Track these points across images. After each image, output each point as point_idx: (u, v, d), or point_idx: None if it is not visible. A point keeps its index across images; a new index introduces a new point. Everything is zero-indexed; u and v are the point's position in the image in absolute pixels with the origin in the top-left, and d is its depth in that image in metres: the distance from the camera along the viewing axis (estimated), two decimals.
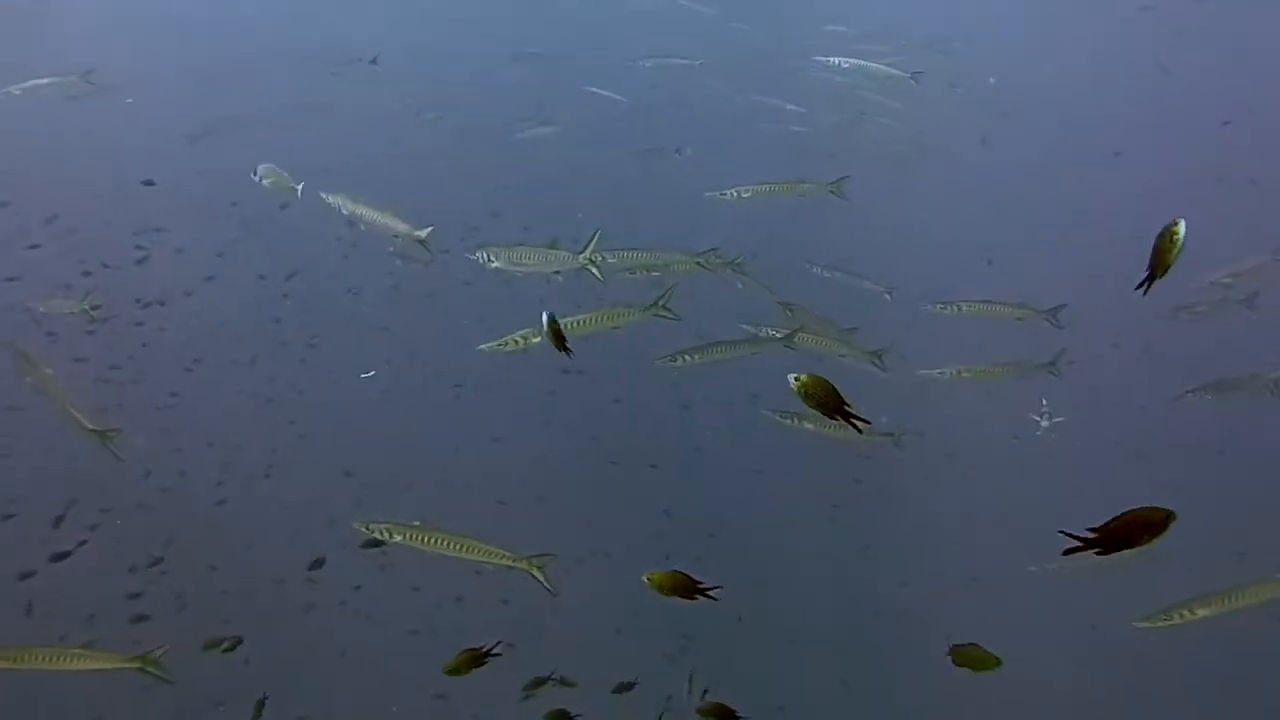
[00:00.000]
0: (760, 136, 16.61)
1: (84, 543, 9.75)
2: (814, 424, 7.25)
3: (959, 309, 7.98)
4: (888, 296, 11.17)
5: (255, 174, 7.76)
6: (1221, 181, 16.34)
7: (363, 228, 7.04)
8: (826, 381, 4.30)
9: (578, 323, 6.14)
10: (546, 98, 15.94)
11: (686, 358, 7.56)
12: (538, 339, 6.03)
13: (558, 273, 8.48)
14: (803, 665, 11.69)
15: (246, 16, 17.36)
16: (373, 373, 10.88)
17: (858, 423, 4.35)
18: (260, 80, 15.56)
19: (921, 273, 11.76)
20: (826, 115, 16.35)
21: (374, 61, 14.32)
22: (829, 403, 4.32)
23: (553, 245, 6.77)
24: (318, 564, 10.20)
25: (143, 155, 12.94)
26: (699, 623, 11.15)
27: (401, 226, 6.93)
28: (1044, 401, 9.44)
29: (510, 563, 5.70)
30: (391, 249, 13.13)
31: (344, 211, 6.99)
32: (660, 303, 6.32)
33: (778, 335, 7.74)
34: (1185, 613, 5.23)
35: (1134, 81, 19.21)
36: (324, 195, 7.01)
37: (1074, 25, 20.37)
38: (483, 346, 6.17)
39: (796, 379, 4.28)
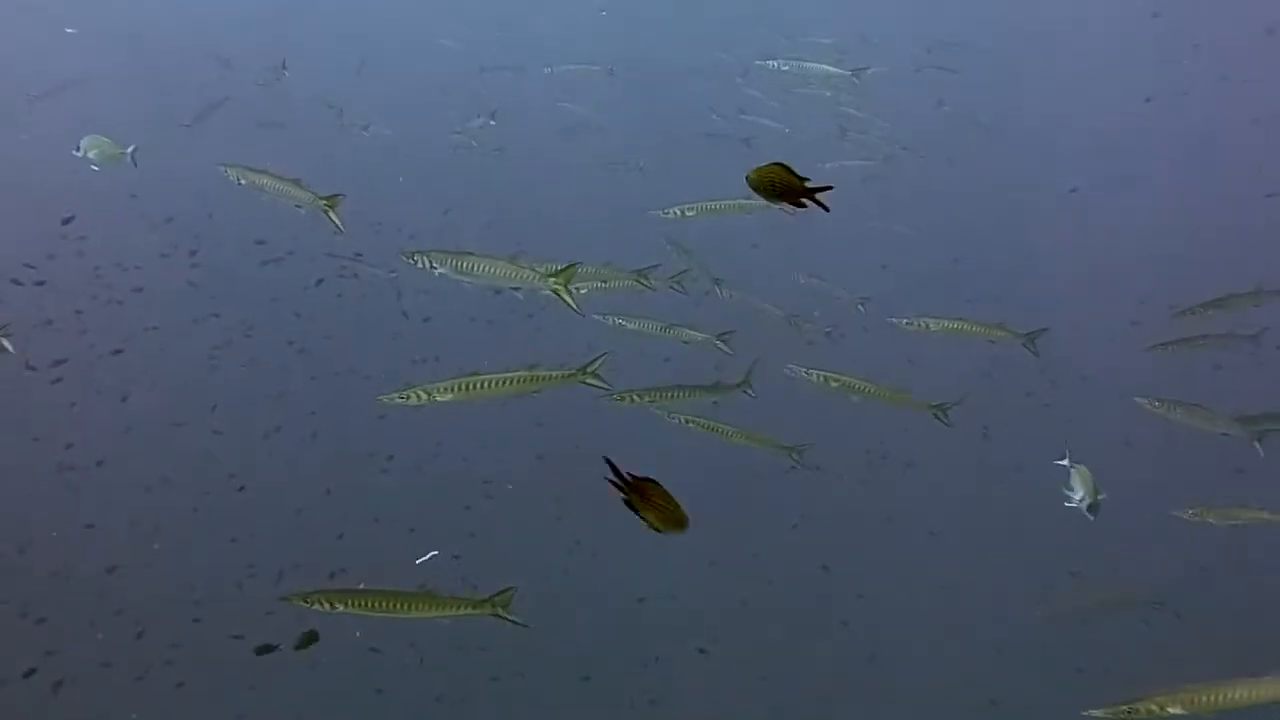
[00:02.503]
0: (736, 151, 16.05)
1: None
2: (687, 418, 6.97)
3: (926, 326, 7.15)
4: (860, 307, 11.55)
5: (78, 149, 7.16)
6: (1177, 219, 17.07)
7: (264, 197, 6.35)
8: (775, 168, 3.91)
9: (495, 382, 5.46)
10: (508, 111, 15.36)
11: (636, 399, 7.13)
12: (445, 396, 5.40)
13: (517, 289, 7.73)
14: None
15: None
16: (434, 553, 9.56)
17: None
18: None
19: (893, 286, 11.67)
20: (805, 130, 15.82)
21: (283, 66, 13.83)
22: (786, 186, 3.88)
23: (514, 258, 5.98)
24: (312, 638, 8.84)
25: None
26: None
27: (304, 195, 6.31)
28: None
29: (471, 610, 5.06)
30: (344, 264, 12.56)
31: (241, 183, 6.38)
32: (589, 369, 5.57)
33: (736, 383, 7.46)
34: (1154, 707, 4.23)
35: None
36: (222, 166, 6.39)
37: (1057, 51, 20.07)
38: (383, 398, 5.43)
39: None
